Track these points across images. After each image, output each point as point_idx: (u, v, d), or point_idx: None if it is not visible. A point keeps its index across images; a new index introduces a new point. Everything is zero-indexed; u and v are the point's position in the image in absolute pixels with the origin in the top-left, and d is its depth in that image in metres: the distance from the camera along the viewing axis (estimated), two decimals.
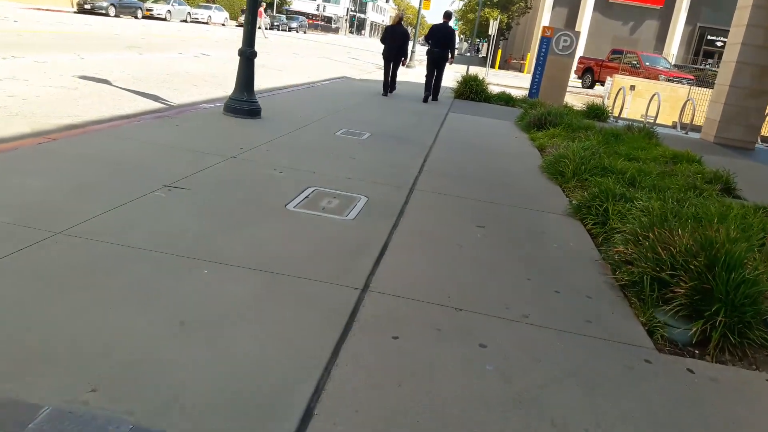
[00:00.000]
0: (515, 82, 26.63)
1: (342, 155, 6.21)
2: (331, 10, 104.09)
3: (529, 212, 5.04)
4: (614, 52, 28.41)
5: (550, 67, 14.86)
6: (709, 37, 40.57)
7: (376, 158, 6.31)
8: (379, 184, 5.22)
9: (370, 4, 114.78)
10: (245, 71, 7.44)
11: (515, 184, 6.05)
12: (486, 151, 7.84)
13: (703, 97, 16.73)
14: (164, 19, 37.80)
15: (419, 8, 27.43)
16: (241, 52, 7.40)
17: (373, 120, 9.26)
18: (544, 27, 14.97)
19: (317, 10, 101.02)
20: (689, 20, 39.98)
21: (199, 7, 45.58)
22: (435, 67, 13.12)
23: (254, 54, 7.45)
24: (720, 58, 40.32)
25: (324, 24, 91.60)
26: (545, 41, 14.80)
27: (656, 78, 25.65)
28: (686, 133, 14.45)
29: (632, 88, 19.88)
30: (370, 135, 7.69)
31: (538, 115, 10.02)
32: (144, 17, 36.40)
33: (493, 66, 40.30)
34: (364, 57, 31.94)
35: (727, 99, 12.90)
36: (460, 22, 67.81)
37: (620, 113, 15.00)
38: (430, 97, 13.18)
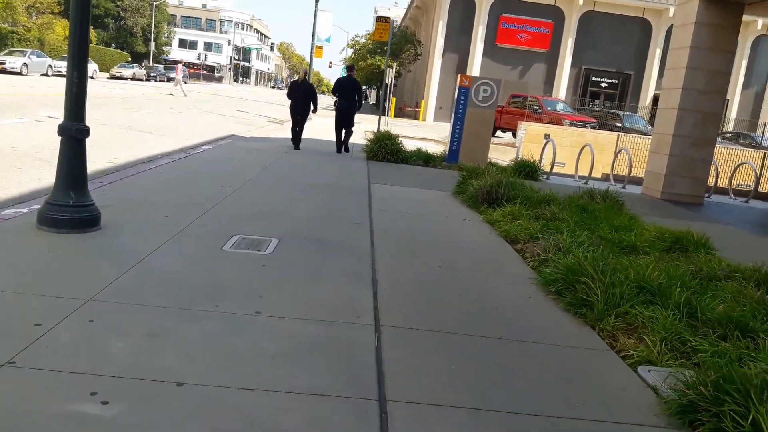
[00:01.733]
0: (419, 132, 25.02)
1: (234, 307, 3.58)
2: (213, 59, 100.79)
3: (602, 429, 2.67)
4: (514, 97, 27.62)
5: (470, 121, 12.99)
6: (593, 78, 41.64)
7: (297, 305, 3.73)
8: (316, 397, 2.64)
9: (254, 53, 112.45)
10: (71, 159, 4.66)
11: (531, 336, 3.66)
12: (446, 255, 5.47)
13: (628, 144, 15.61)
14: (20, 74, 33.27)
15: (311, 57, 25.35)
16: (62, 130, 4.63)
17: (279, 207, 6.69)
18: (462, 76, 13.14)
19: (198, 59, 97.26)
20: (574, 63, 40.87)
21: (64, 59, 41.03)
22: (344, 118, 13.21)
23: (84, 132, 4.69)
24: (606, 98, 41.62)
25: (207, 73, 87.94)
26: (463, 92, 12.95)
27: (560, 123, 24.97)
28: (624, 188, 12.98)
29: (546, 136, 18.64)
30: (278, 242, 5.11)
31: (487, 188, 7.86)
32: None
33: (388, 114, 38.94)
34: (252, 108, 29.23)
35: (672, 150, 11.51)
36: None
37: (551, 169, 13.34)
38: (343, 150, 13.24)
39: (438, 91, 41.35)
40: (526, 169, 12.29)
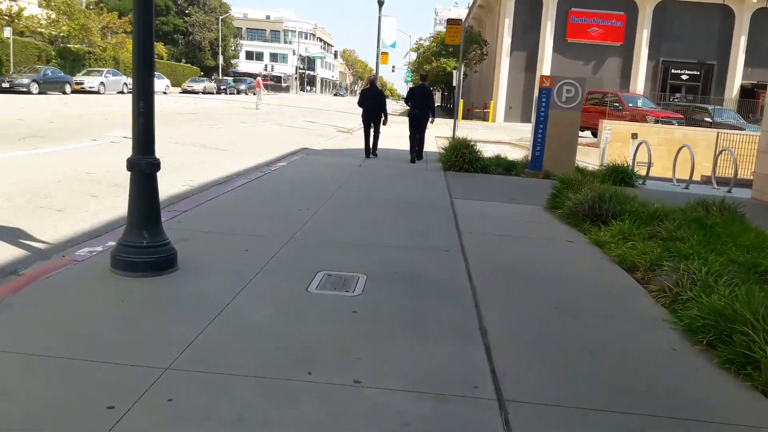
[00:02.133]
0: (491, 135, 24.16)
1: (330, 375, 3.04)
2: (279, 69, 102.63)
3: None
4: (591, 94, 26.28)
5: (553, 124, 12.14)
6: (673, 71, 39.47)
7: (399, 370, 3.15)
8: None
9: (318, 61, 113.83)
10: (142, 196, 4.29)
11: (696, 411, 2.93)
12: (557, 290, 4.78)
13: (728, 142, 14.33)
14: (98, 92, 34.53)
15: (377, 64, 24.97)
16: (131, 165, 4.26)
17: (361, 232, 6.18)
18: (542, 77, 12.32)
19: (265, 70, 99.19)
20: (651, 55, 38.89)
21: None
22: (417, 127, 13.08)
23: (155, 166, 4.30)
24: (687, 91, 39.29)
25: (274, 84, 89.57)
26: (545, 93, 12.12)
27: (643, 120, 23.57)
28: (730, 191, 11.81)
29: (634, 136, 17.44)
30: (365, 279, 4.58)
31: (589, 203, 7.09)
32: (74, 92, 33.09)
33: (456, 117, 38.14)
34: (321, 118, 29.15)
35: None
36: (412, 74, 66.25)
37: (647, 173, 12.29)
38: (416, 158, 13.01)
39: (507, 91, 40.25)
40: (620, 175, 11.40)
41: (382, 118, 13.09)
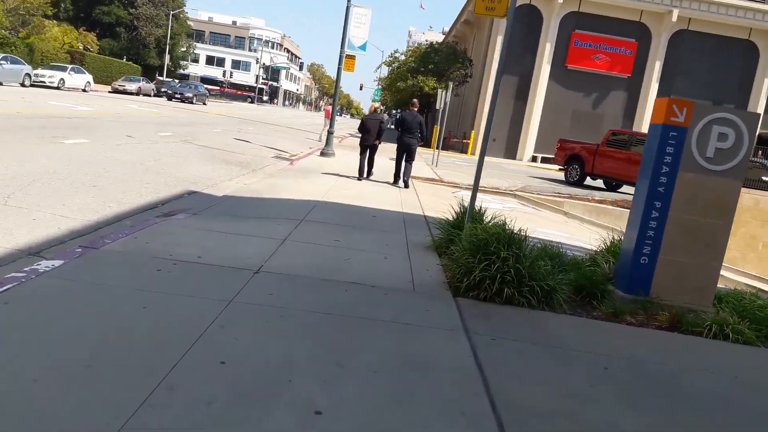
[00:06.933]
0: (484, 178, 17.65)
1: None
2: (239, 77, 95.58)
3: None
4: (614, 134, 20.19)
5: (685, 201, 5.71)
6: None
7: None
8: None
9: (283, 72, 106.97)
10: None
11: None
12: None
13: None
14: None
15: (338, 71, 18.35)
16: None
17: None
18: (669, 101, 5.79)
19: (224, 76, 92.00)
20: (662, 91, 33.42)
21: (52, 67, 34.80)
22: (406, 153, 12.93)
23: None
24: None
25: (237, 93, 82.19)
26: (675, 136, 5.66)
27: None
28: None
29: None
30: None
31: None
32: None
33: (429, 146, 31.93)
34: (260, 134, 22.21)
35: None
36: (382, 92, 60.02)
37: None
38: (401, 181, 12.98)
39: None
40: None
41: (378, 143, 13.47)
